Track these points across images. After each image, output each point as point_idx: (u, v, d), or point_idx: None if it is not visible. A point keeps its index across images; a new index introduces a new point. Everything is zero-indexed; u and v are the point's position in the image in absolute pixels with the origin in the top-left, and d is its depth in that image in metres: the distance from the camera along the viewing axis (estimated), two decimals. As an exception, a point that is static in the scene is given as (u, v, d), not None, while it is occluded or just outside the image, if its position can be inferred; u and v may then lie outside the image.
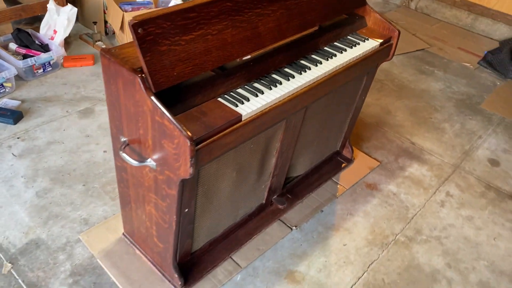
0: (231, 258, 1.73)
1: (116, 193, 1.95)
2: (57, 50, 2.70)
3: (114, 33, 3.11)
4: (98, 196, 1.94)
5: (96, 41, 2.99)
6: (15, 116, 2.28)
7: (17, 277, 1.60)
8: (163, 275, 1.63)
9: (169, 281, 1.61)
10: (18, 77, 2.57)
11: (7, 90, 2.48)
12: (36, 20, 3.14)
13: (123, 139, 1.37)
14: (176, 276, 1.56)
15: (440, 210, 2.09)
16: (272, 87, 1.39)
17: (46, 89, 2.56)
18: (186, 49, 1.22)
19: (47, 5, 2.76)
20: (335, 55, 1.62)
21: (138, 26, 1.11)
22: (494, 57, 3.39)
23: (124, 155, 1.32)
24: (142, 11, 2.89)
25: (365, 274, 1.75)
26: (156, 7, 3.05)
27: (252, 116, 1.30)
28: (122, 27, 2.87)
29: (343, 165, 2.23)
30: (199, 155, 1.17)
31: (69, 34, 2.84)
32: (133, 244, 1.73)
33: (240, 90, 1.36)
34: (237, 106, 1.29)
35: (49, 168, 2.05)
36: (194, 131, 1.17)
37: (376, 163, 2.31)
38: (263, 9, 1.41)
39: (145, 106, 1.19)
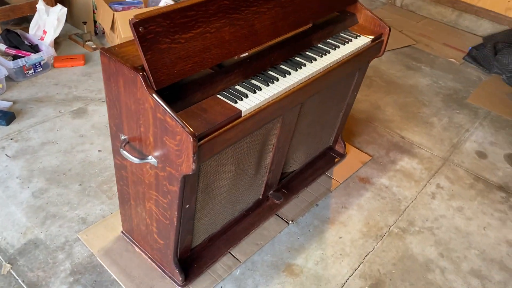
0: (230, 253, 1.75)
1: (113, 192, 1.96)
2: (47, 50, 2.68)
3: (104, 33, 3.11)
4: (95, 195, 1.94)
5: (86, 41, 2.98)
6: (7, 117, 2.27)
7: (17, 277, 1.60)
8: (163, 271, 1.65)
9: (170, 277, 1.63)
10: (8, 78, 2.56)
11: (-3, 91, 2.47)
12: (24, 20, 3.12)
13: (123, 137, 1.39)
14: (177, 272, 1.58)
15: (431, 202, 2.14)
16: (269, 83, 1.42)
17: (37, 90, 2.55)
18: (185, 47, 1.24)
19: (36, 5, 2.75)
20: (329, 52, 1.65)
21: (139, 24, 1.12)
22: (478, 52, 3.47)
23: (125, 152, 1.34)
24: (133, 10, 2.90)
25: (361, 265, 1.79)
26: (146, 7, 3.06)
27: (251, 112, 1.32)
28: (112, 27, 2.86)
29: (336, 160, 2.27)
30: (201, 151, 1.19)
31: (59, 35, 2.83)
32: (132, 242, 1.74)
33: (238, 87, 1.39)
34: (236, 102, 1.32)
35: (44, 169, 2.04)
36: (195, 127, 1.19)
37: (368, 157, 2.36)
38: (259, 7, 1.44)
39: (146, 104, 1.20)
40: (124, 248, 1.73)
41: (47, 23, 2.75)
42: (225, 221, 1.76)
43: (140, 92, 1.20)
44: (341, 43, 1.71)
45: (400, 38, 3.71)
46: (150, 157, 1.31)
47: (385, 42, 1.87)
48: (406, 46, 3.60)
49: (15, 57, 2.62)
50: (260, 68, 1.47)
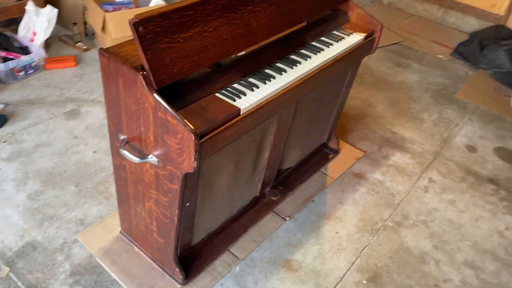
0: (229, 251, 1.77)
1: (109, 192, 1.96)
2: (38, 52, 2.66)
3: (94, 34, 3.09)
4: (92, 196, 1.94)
5: (77, 42, 2.96)
6: (-1, 119, 2.25)
7: (16, 280, 1.59)
8: (163, 270, 1.66)
9: (170, 275, 1.64)
10: (-1, 81, 2.54)
11: (-12, 94, 2.45)
12: (12, 22, 3.08)
13: (122, 137, 1.39)
14: (178, 270, 1.59)
15: (424, 196, 2.18)
16: (266, 81, 1.44)
17: (29, 92, 2.53)
18: (184, 46, 1.25)
19: (26, 7, 2.72)
20: (323, 50, 1.67)
21: (139, 24, 1.13)
22: (465, 48, 3.54)
23: (125, 152, 1.34)
24: (124, 11, 2.89)
25: (358, 259, 1.82)
26: (137, 7, 3.05)
27: (250, 109, 1.34)
28: (103, 28, 2.85)
29: (330, 156, 2.30)
30: (202, 149, 1.20)
31: (49, 36, 2.81)
32: (131, 242, 1.74)
33: (236, 85, 1.40)
34: (235, 100, 1.33)
35: (39, 171, 2.03)
36: (196, 125, 1.20)
37: (361, 153, 2.39)
38: (255, 6, 1.45)
39: (147, 103, 1.21)
40: (123, 248, 1.73)
41: (37, 25, 2.73)
42: (223, 219, 1.78)
43: (140, 91, 1.21)
44: (335, 41, 1.74)
45: (389, 36, 3.76)
46: (150, 156, 1.32)
47: (377, 39, 1.90)
48: (394, 43, 3.65)
49: (5, 59, 2.59)
50: (257, 66, 1.49)
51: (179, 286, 1.62)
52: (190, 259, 1.68)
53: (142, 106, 1.24)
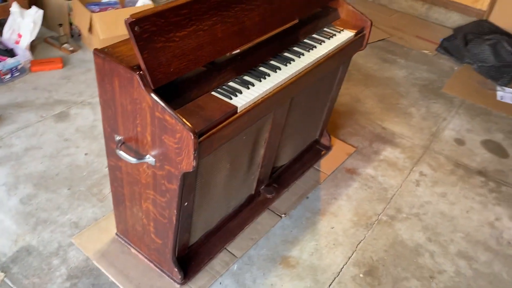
0: (227, 249, 1.77)
1: (103, 195, 1.94)
2: (24, 54, 2.62)
3: (80, 35, 3.05)
4: (85, 198, 1.92)
5: (63, 44, 2.92)
6: (-13, 124, 2.21)
7: (11, 286, 1.57)
8: (161, 270, 1.65)
9: (168, 276, 1.64)
10: (-16, 84, 2.49)
11: (-26, 98, 2.40)
12: (-4, 24, 3.03)
13: (118, 138, 1.38)
14: (176, 270, 1.59)
15: (416, 189, 2.21)
16: (261, 79, 1.44)
17: (16, 95, 2.49)
18: (180, 45, 1.24)
19: (10, 9, 2.68)
20: (315, 47, 1.69)
21: (134, 24, 1.13)
22: (449, 43, 3.59)
23: (122, 153, 1.34)
24: (111, 11, 2.86)
25: (354, 253, 1.84)
26: (123, 7, 3.02)
27: (246, 107, 1.34)
28: (90, 29, 2.82)
29: (323, 152, 2.32)
30: (201, 148, 1.20)
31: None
32: (128, 243, 1.73)
33: (232, 84, 1.40)
34: (231, 98, 1.34)
35: (31, 174, 2.01)
36: (194, 124, 1.19)
37: (353, 149, 2.41)
38: (248, 4, 1.45)
39: (144, 103, 1.21)
40: (119, 249, 1.72)
41: (22, 26, 2.69)
42: (220, 218, 1.78)
43: (137, 91, 1.20)
44: (326, 38, 1.75)
45: (374, 32, 3.79)
46: (147, 156, 1.31)
47: (367, 35, 1.92)
48: (380, 40, 3.69)
49: (-10, 62, 2.55)
50: (251, 64, 1.49)
51: (178, 286, 1.62)
52: (188, 259, 1.68)
53: (139, 106, 1.23)
